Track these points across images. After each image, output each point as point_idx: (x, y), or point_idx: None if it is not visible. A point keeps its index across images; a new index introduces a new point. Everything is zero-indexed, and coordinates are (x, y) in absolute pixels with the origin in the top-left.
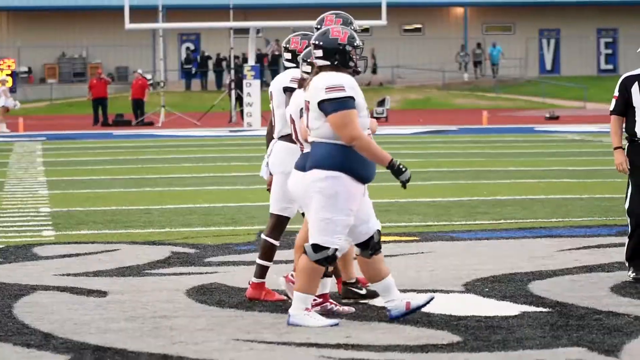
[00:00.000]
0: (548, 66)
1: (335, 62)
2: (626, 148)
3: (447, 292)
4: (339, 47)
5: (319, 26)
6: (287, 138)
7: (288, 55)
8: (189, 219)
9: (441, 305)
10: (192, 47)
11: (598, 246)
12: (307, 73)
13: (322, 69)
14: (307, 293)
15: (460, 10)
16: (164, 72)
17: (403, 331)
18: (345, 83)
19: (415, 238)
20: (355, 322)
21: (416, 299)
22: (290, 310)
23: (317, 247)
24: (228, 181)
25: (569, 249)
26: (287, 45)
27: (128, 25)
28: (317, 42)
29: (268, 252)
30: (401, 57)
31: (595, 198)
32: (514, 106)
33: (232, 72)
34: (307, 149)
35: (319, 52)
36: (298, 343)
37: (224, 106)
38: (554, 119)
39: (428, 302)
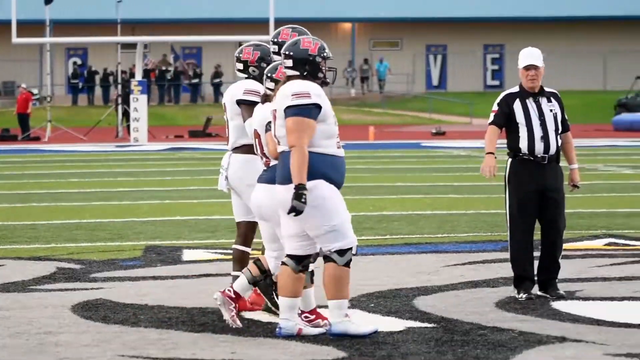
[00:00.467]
0: (435, 82)
1: (305, 73)
2: (508, 164)
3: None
4: (309, 57)
5: (275, 39)
6: (242, 149)
7: (240, 66)
8: (75, 234)
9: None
10: (79, 61)
11: (483, 261)
12: (270, 89)
13: (291, 78)
14: (342, 299)
15: (348, 26)
16: (51, 86)
17: (288, 347)
18: (312, 90)
19: None
20: (240, 338)
21: (308, 329)
22: (330, 320)
23: (340, 252)
24: (114, 196)
25: (455, 265)
26: (240, 56)
27: (15, 39)
28: (287, 52)
29: (242, 262)
30: None
31: (481, 213)
32: (401, 122)
33: (119, 87)
34: (274, 162)
35: (289, 62)
36: (183, 359)
37: (111, 121)
38: (440, 134)
39: (319, 334)
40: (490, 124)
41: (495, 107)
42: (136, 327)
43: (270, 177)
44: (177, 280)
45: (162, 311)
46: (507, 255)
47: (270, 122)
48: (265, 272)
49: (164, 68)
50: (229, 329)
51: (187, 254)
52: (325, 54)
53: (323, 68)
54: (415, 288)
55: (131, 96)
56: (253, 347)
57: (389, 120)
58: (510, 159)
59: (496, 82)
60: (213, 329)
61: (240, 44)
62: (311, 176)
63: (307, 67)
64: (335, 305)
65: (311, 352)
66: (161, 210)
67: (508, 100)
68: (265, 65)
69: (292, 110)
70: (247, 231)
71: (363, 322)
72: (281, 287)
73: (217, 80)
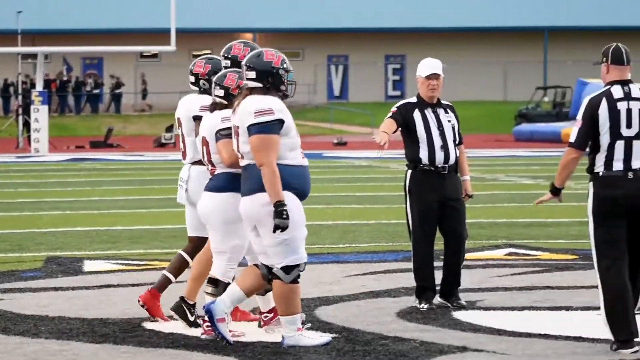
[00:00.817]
0: (336, 92)
1: (268, 85)
2: (408, 175)
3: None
4: (272, 70)
5: (226, 54)
6: (201, 163)
7: (192, 79)
8: None
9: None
10: None
11: (384, 271)
12: (219, 97)
13: (252, 91)
14: (294, 314)
15: (249, 36)
16: None
17: (191, 357)
18: (274, 106)
19: None
20: (142, 349)
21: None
22: (283, 334)
23: (287, 268)
24: (15, 207)
25: (356, 275)
26: (192, 68)
27: None
28: (250, 64)
29: (179, 268)
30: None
31: (382, 224)
32: (303, 132)
33: (20, 97)
34: (219, 170)
35: (252, 74)
36: None
37: (12, 132)
38: (342, 144)
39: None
40: (388, 118)
41: (394, 108)
42: (37, 338)
43: (215, 185)
44: (78, 291)
45: (63, 322)
46: (408, 265)
47: (221, 130)
48: (214, 280)
49: (65, 78)
50: (130, 340)
51: (88, 265)
52: (286, 67)
53: (285, 81)
54: (317, 298)
55: (32, 107)
56: (154, 357)
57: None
58: (410, 170)
59: (397, 93)
60: (114, 340)
61: (141, 54)
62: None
63: (270, 79)
64: (287, 320)
65: None
66: (62, 221)
67: (408, 108)
68: None
69: (256, 128)
70: (198, 245)
71: (316, 334)
72: (241, 279)
73: (118, 91)
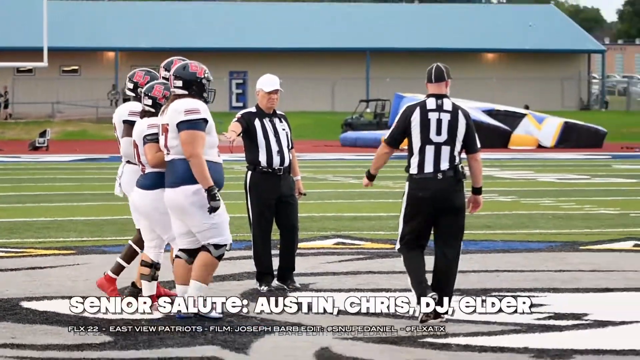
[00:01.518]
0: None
1: (193, 92)
2: (248, 175)
3: (100, 298)
4: (197, 79)
5: (166, 67)
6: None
7: (130, 85)
8: None
9: (95, 310)
10: None
11: (230, 258)
12: (147, 105)
13: (179, 97)
14: (204, 283)
15: (112, 54)
16: None
17: (62, 333)
18: (200, 107)
19: (72, 252)
20: (19, 325)
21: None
22: (188, 294)
23: (217, 246)
24: None
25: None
26: (131, 77)
27: None
28: (177, 75)
29: (131, 256)
30: (60, 94)
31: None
32: None
33: None
34: (148, 169)
35: (179, 83)
36: None
37: None
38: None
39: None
40: (235, 122)
41: (239, 115)
42: None
43: (145, 182)
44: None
45: None
46: (249, 252)
47: (147, 135)
48: (152, 265)
49: None
50: (9, 318)
51: None
52: (208, 77)
53: (207, 89)
54: (171, 281)
55: None
56: (30, 333)
57: None
58: (250, 171)
59: (240, 104)
60: None
61: (17, 69)
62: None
63: (195, 87)
64: (197, 286)
65: (82, 338)
66: None
67: (249, 117)
68: None
69: (185, 125)
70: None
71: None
72: (177, 277)
73: None
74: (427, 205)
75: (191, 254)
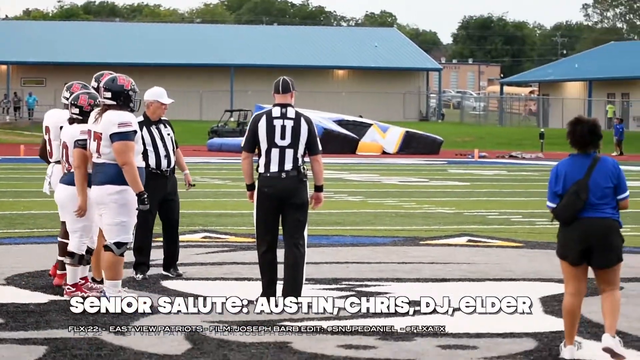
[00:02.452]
0: None
1: (120, 103)
2: None
3: (100, 297)
4: (124, 91)
5: (96, 80)
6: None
7: (67, 94)
8: None
9: (95, 309)
10: None
11: None
12: (75, 114)
13: (109, 107)
14: (117, 279)
15: (4, 68)
16: None
17: None
18: (132, 120)
19: None
20: None
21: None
22: (107, 294)
23: (119, 244)
24: None
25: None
26: (69, 87)
27: None
28: (106, 87)
29: (64, 249)
30: None
31: None
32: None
33: None
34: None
35: (108, 94)
36: None
37: None
38: None
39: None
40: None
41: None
42: None
43: (70, 180)
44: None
45: None
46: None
47: (79, 140)
48: (71, 253)
49: None
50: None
51: None
52: (134, 88)
53: (133, 99)
54: None
55: None
56: None
57: (37, 140)
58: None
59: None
60: None
61: None
62: (124, 182)
63: (122, 98)
64: (112, 284)
65: None
66: None
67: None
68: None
69: (119, 136)
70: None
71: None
72: (105, 271)
73: None
74: (273, 200)
75: (119, 246)
